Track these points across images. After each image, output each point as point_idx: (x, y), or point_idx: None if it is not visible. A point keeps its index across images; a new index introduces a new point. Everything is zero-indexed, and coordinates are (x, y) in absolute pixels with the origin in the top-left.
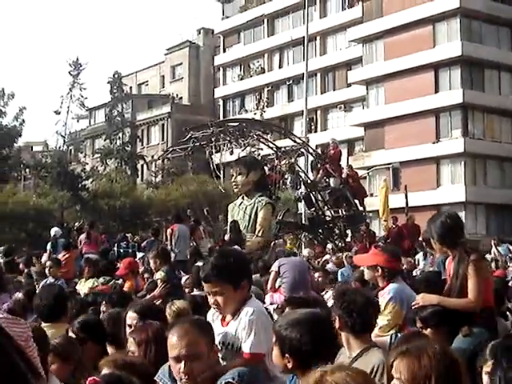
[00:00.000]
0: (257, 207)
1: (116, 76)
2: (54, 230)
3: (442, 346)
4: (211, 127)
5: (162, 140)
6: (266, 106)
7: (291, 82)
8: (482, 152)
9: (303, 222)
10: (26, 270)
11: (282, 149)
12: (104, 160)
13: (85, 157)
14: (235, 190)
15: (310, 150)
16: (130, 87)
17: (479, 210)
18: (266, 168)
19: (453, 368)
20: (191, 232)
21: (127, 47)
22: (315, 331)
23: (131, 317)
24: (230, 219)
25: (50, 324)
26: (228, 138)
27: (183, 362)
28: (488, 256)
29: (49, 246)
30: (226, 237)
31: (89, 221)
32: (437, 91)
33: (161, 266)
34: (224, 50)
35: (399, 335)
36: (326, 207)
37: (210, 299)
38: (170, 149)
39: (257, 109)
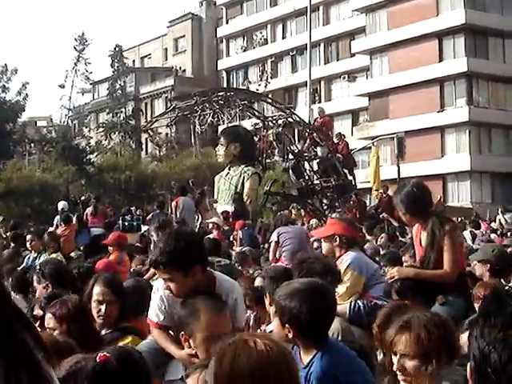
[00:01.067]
0: (243, 177)
1: (117, 49)
2: (61, 204)
3: (436, 314)
4: (194, 97)
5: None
6: (270, 78)
7: (295, 52)
8: (486, 120)
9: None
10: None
11: (269, 118)
12: (108, 134)
13: (89, 131)
14: (219, 161)
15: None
16: (133, 60)
17: (484, 179)
18: (254, 137)
19: (452, 334)
20: (196, 204)
21: (129, 21)
22: (315, 301)
23: (102, 292)
24: (216, 190)
25: None
26: (212, 108)
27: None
28: (493, 224)
29: (56, 220)
30: (231, 208)
31: (94, 194)
32: (441, 60)
33: None
34: (227, 22)
35: (359, 303)
36: (315, 177)
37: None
38: (154, 119)
39: (260, 80)
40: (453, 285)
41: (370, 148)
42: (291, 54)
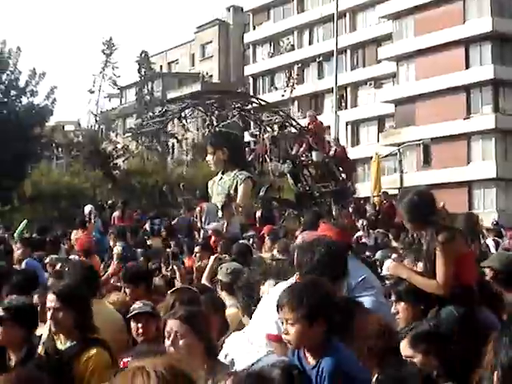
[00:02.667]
0: (236, 182)
1: (143, 55)
2: (87, 208)
3: None
4: (186, 99)
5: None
6: (296, 84)
7: (321, 58)
8: None
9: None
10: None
11: (265, 121)
12: (135, 139)
13: (116, 136)
14: (212, 169)
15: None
16: (161, 66)
17: (510, 186)
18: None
19: None
20: (222, 209)
21: (157, 26)
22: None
23: (49, 299)
24: (210, 195)
25: None
26: (203, 111)
27: None
28: None
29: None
30: (258, 213)
31: (122, 199)
32: (467, 67)
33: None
34: (254, 28)
35: None
36: (313, 182)
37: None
38: (144, 122)
39: (287, 86)
40: (455, 297)
41: (396, 154)
42: (318, 60)
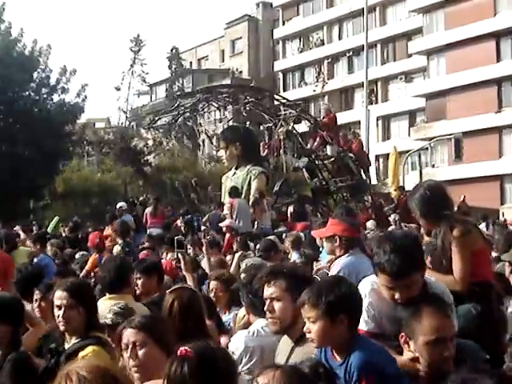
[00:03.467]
0: (250, 177)
1: (174, 51)
2: (120, 205)
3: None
4: (197, 94)
5: (223, 114)
6: (326, 79)
7: (351, 53)
8: None
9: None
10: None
11: (281, 115)
12: (166, 135)
13: (147, 132)
14: (225, 165)
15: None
16: (191, 62)
17: None
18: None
19: None
20: (253, 205)
21: (187, 23)
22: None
23: (60, 296)
24: (223, 191)
25: (113, 296)
26: (216, 105)
27: None
28: None
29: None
30: (290, 209)
31: (155, 195)
32: (498, 60)
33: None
34: (283, 23)
35: None
36: (330, 177)
37: None
38: (156, 118)
39: (316, 81)
40: (473, 293)
41: (427, 149)
42: (348, 54)
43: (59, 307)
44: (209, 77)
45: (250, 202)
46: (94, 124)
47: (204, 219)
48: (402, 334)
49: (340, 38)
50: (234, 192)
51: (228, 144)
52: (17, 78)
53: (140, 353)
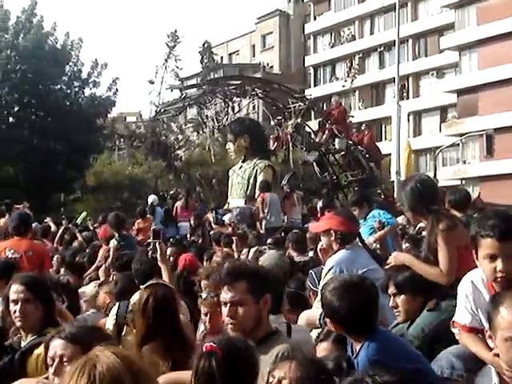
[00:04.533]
0: (256, 171)
1: (206, 46)
2: (151, 198)
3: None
4: (203, 86)
5: (253, 109)
6: (358, 74)
7: (382, 48)
8: None
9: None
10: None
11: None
12: (197, 129)
13: (177, 127)
14: (233, 158)
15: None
16: (221, 57)
17: None
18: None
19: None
20: (284, 198)
21: (218, 17)
22: (349, 296)
23: (17, 290)
24: (229, 184)
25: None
26: (222, 98)
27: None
28: None
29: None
30: (319, 203)
31: (185, 189)
32: None
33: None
34: (314, 18)
35: None
36: (340, 171)
37: None
38: (162, 109)
39: (347, 76)
40: (451, 289)
41: (458, 145)
42: (379, 50)
43: (15, 302)
44: (239, 71)
45: (256, 196)
46: (125, 118)
47: (235, 213)
48: (486, 329)
49: (371, 33)
50: (265, 186)
51: (236, 136)
52: (49, 72)
53: (68, 369)
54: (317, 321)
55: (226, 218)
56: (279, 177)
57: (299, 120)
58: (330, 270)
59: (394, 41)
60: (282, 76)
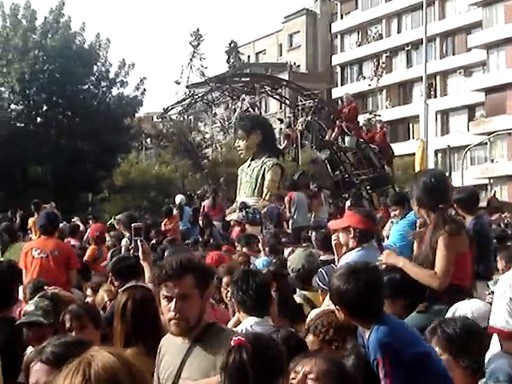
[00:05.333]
0: (264, 169)
1: (232, 45)
2: (178, 198)
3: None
4: (210, 83)
5: (280, 108)
6: (385, 73)
7: (410, 47)
8: None
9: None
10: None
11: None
12: (224, 129)
13: (204, 126)
14: (241, 156)
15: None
16: (248, 56)
17: None
18: (275, 125)
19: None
20: (312, 198)
21: (245, 17)
22: (356, 281)
23: None
24: (238, 184)
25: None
26: (230, 95)
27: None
28: None
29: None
30: (348, 203)
31: (212, 188)
32: None
33: (125, 232)
34: (341, 17)
35: None
36: (352, 169)
37: None
38: (170, 107)
39: (375, 75)
40: (445, 293)
41: (486, 144)
42: (406, 48)
43: None
44: (266, 71)
45: (267, 196)
46: (152, 117)
47: (262, 212)
48: None
49: (399, 31)
50: (292, 185)
51: (249, 133)
52: (76, 72)
53: None
54: None
55: (235, 216)
56: (288, 175)
57: (309, 118)
58: None
59: (422, 39)
60: (309, 75)
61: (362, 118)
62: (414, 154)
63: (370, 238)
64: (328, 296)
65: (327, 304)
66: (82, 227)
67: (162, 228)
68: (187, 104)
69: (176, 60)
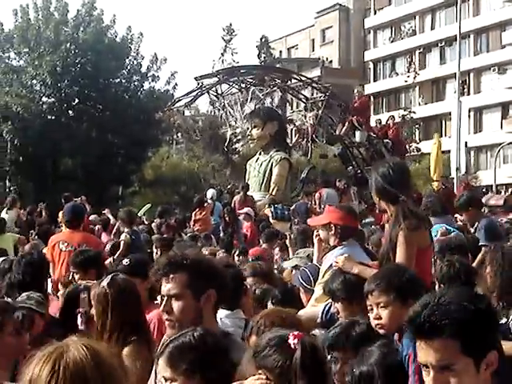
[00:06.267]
0: (271, 163)
1: (263, 40)
2: (210, 192)
3: None
4: (218, 75)
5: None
6: (418, 69)
7: (443, 43)
8: None
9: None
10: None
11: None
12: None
13: (235, 121)
14: (252, 145)
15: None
16: (280, 51)
17: None
18: (286, 121)
19: None
20: (341, 195)
21: (277, 12)
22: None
23: None
24: (246, 178)
25: None
26: (238, 87)
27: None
28: None
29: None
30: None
31: (243, 183)
32: None
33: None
34: (375, 13)
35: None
36: (365, 164)
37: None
38: (176, 99)
39: (408, 71)
40: None
41: None
42: (440, 45)
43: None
44: (298, 66)
45: (274, 191)
46: (183, 112)
47: (291, 208)
48: None
49: (432, 27)
50: (324, 181)
51: (266, 121)
52: (108, 66)
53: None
54: (318, 319)
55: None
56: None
57: (320, 112)
58: (329, 267)
59: (456, 36)
60: (341, 71)
61: (396, 115)
62: (448, 151)
63: (352, 235)
64: (313, 296)
65: (314, 304)
66: (112, 220)
67: (193, 218)
68: (194, 96)
69: (207, 54)
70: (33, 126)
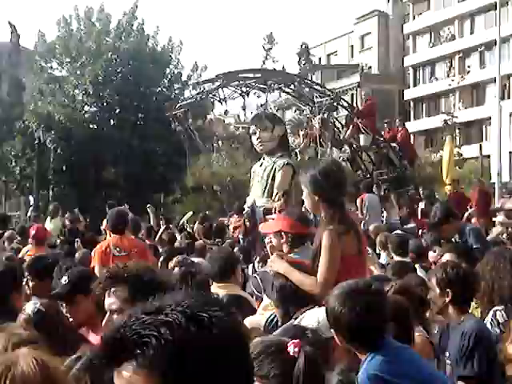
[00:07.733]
0: (274, 169)
1: (304, 47)
2: (251, 200)
3: None
4: (218, 79)
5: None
6: (460, 75)
7: (483, 48)
8: None
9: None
10: None
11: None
12: (294, 131)
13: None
14: (260, 148)
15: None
16: (319, 58)
17: None
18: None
19: None
20: (384, 200)
21: (317, 18)
22: (353, 302)
23: None
24: (250, 184)
25: (221, 284)
26: (239, 92)
27: None
28: None
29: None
30: (421, 205)
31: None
32: None
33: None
34: (413, 18)
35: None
36: (373, 169)
37: None
38: (177, 105)
39: (447, 76)
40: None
41: None
42: (479, 49)
43: None
44: (338, 72)
45: (276, 197)
46: (223, 120)
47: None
48: None
49: (472, 32)
50: (366, 186)
51: (275, 124)
52: (149, 74)
53: None
54: (261, 327)
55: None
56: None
57: (325, 115)
58: None
59: (495, 40)
60: (381, 76)
61: (438, 119)
62: (488, 156)
63: (304, 242)
64: (262, 303)
65: (261, 313)
66: (155, 227)
67: (232, 224)
68: (195, 101)
69: (248, 63)
70: (75, 135)
